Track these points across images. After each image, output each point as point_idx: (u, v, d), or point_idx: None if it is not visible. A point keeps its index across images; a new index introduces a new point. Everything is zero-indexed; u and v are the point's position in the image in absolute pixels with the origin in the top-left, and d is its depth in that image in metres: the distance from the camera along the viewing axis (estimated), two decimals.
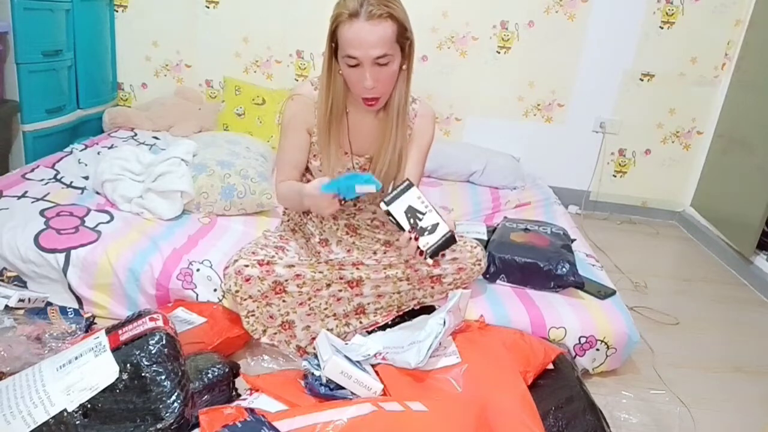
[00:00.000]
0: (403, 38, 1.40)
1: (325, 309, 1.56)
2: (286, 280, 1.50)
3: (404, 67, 1.46)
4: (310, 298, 1.54)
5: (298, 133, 1.56)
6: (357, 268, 1.57)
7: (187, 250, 1.75)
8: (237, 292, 1.48)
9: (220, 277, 1.64)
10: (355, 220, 1.68)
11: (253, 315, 1.52)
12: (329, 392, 1.31)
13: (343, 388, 1.31)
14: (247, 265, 1.48)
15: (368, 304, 1.59)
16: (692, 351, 1.91)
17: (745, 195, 2.62)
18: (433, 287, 1.62)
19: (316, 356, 1.41)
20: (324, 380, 1.32)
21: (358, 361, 1.37)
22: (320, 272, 1.54)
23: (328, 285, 1.55)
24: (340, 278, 1.55)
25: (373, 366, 1.38)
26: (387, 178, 1.58)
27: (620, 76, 2.99)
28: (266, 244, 1.60)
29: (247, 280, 1.48)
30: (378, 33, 1.34)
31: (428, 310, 1.61)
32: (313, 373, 1.35)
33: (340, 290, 1.56)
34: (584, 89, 3.01)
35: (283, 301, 1.52)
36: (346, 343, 1.46)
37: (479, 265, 1.63)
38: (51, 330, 1.42)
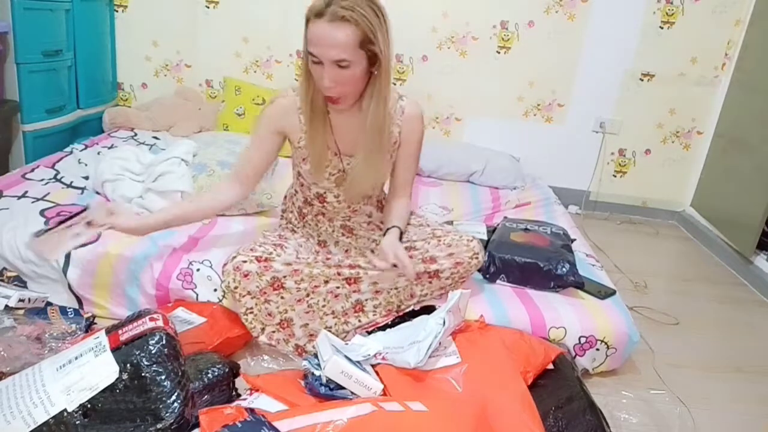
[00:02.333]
0: (369, 46, 1.36)
1: (324, 306, 1.56)
2: (284, 276, 1.51)
3: (375, 72, 1.42)
4: (308, 295, 1.54)
5: (265, 134, 1.60)
6: (354, 269, 1.58)
7: (187, 250, 1.75)
8: (236, 288, 1.49)
9: (220, 277, 1.64)
10: (350, 222, 1.69)
11: (251, 312, 1.52)
12: (329, 392, 1.31)
13: (343, 388, 1.31)
14: (245, 261, 1.49)
15: (366, 300, 1.59)
16: (692, 351, 1.91)
17: (745, 195, 2.62)
18: (431, 282, 1.62)
19: (316, 356, 1.41)
20: (324, 380, 1.32)
21: (358, 361, 1.37)
22: (318, 269, 1.55)
23: (326, 281, 1.55)
24: (338, 274, 1.56)
25: (373, 366, 1.38)
26: (378, 176, 1.59)
27: (620, 76, 2.99)
28: (264, 242, 1.60)
29: (246, 275, 1.48)
30: (336, 36, 1.32)
31: (428, 310, 1.61)
32: (313, 373, 1.35)
33: (338, 287, 1.57)
34: (584, 89, 3.01)
35: (282, 297, 1.52)
36: (346, 343, 1.46)
37: (476, 258, 1.62)
38: (51, 330, 1.42)
